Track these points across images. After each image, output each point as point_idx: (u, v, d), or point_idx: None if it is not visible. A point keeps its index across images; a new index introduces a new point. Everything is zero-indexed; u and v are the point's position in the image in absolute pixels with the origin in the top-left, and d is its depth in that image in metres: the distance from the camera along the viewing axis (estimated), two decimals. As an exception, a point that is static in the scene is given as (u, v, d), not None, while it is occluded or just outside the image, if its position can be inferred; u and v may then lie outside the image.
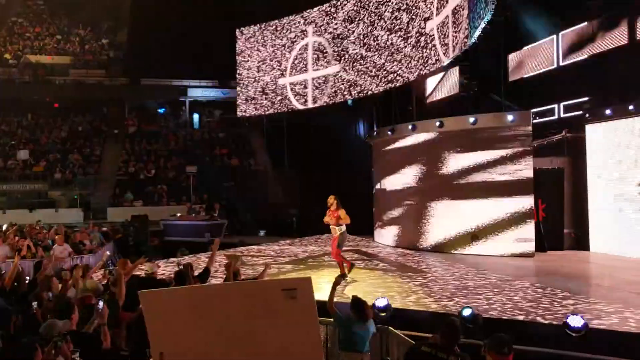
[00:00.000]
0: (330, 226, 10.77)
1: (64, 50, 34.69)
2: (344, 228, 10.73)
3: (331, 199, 10.76)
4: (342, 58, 18.81)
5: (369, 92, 17.72)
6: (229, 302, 2.26)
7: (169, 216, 21.54)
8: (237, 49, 22.38)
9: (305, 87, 20.16)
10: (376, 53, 17.37)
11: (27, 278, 8.37)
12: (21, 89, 31.17)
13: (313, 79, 19.98)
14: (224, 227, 20.27)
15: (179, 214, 21.56)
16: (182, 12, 30.70)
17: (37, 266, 9.00)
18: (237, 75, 22.58)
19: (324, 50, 19.56)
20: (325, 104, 19.49)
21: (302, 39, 20.41)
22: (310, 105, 20.07)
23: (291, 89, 20.68)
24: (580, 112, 13.96)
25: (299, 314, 2.24)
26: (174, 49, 30.18)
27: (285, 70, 20.86)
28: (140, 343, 4.84)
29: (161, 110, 34.51)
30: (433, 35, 14.82)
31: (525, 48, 15.50)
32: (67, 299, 6.06)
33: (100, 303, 5.93)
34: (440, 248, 14.01)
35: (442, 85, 15.88)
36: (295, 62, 20.59)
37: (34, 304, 5.93)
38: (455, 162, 13.75)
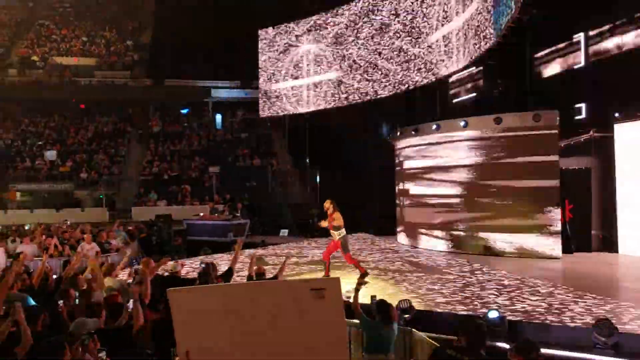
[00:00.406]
0: (330, 231, 10.77)
1: (89, 52, 35.23)
2: (344, 232, 10.64)
3: (327, 204, 10.83)
4: (348, 62, 18.92)
5: (374, 97, 17.81)
6: (257, 300, 2.26)
7: (192, 216, 21.68)
8: (259, 49, 22.46)
9: (317, 89, 20.21)
10: (381, 58, 17.41)
11: (54, 276, 8.50)
12: (48, 91, 31.73)
13: (318, 82, 20.04)
14: (247, 227, 20.35)
15: (201, 214, 21.69)
16: (205, 13, 30.97)
17: (65, 265, 9.15)
18: (259, 76, 22.66)
19: (329, 55, 19.66)
20: (334, 106, 19.56)
21: (313, 41, 20.45)
22: (315, 108, 20.20)
23: (307, 90, 20.73)
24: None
25: (326, 314, 2.24)
26: (197, 50, 30.44)
27: (299, 71, 20.90)
28: (165, 343, 4.88)
29: (184, 111, 34.81)
30: (449, 39, 14.69)
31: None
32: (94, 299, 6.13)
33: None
34: (464, 249, 13.88)
35: (466, 85, 15.75)
36: (309, 64, 20.61)
37: (61, 302, 6.02)
38: (478, 162, 13.62)
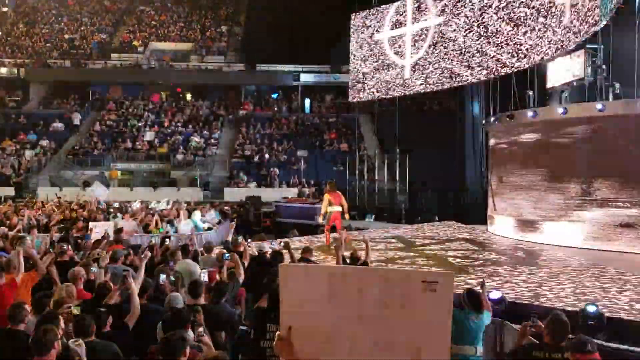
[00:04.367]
0: (335, 207, 12.58)
1: (186, 37, 36.63)
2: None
3: (333, 184, 13.30)
4: (444, 45, 18.29)
5: (469, 81, 17.22)
6: (368, 286, 2.26)
7: (280, 198, 22.17)
8: (350, 33, 22.36)
9: (413, 71, 19.80)
10: (482, 40, 16.73)
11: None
12: (147, 74, 33.39)
13: (415, 64, 19.57)
14: (333, 211, 20.48)
15: (289, 196, 22.13)
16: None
17: (163, 242, 9.66)
18: (350, 60, 22.57)
19: (426, 36, 19.12)
20: (430, 89, 19.06)
21: (411, 22, 19.97)
22: (416, 90, 19.72)
23: (400, 73, 20.35)
24: None
25: (434, 308, 2.21)
26: (288, 35, 30.83)
27: (397, 53, 20.53)
28: (261, 319, 5.06)
29: (274, 95, 35.52)
30: (548, 23, 13.95)
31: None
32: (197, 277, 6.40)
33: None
34: (565, 241, 13.23)
35: (566, 69, 14.90)
36: (404, 46, 20.21)
37: (163, 276, 6.36)
38: (580, 151, 12.92)
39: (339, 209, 12.64)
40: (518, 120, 14.42)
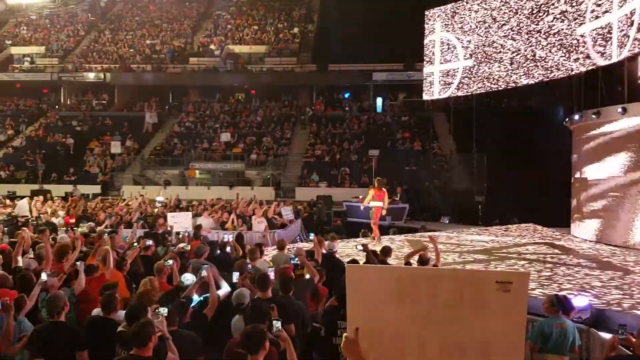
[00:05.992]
0: (377, 202, 13.98)
1: (260, 40, 37.31)
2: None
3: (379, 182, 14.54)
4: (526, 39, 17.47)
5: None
6: (438, 286, 2.19)
7: (351, 198, 22.12)
8: (425, 30, 21.96)
9: (487, 70, 19.11)
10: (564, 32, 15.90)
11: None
12: (224, 77, 34.27)
13: (488, 62, 18.86)
14: (406, 212, 20.27)
15: (360, 196, 22.00)
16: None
17: (238, 238, 9.82)
18: (424, 58, 22.16)
19: (503, 33, 18.36)
20: (514, 85, 18.29)
21: (483, 20, 19.29)
22: (501, 87, 18.98)
23: (475, 71, 19.74)
24: None
25: (508, 309, 2.12)
26: (360, 34, 30.69)
27: (474, 50, 19.93)
28: (331, 317, 5.03)
29: (346, 95, 35.49)
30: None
31: None
32: (263, 272, 6.47)
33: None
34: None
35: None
36: (484, 42, 19.57)
37: (236, 274, 6.45)
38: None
39: (380, 204, 14.04)
40: (605, 118, 13.64)
